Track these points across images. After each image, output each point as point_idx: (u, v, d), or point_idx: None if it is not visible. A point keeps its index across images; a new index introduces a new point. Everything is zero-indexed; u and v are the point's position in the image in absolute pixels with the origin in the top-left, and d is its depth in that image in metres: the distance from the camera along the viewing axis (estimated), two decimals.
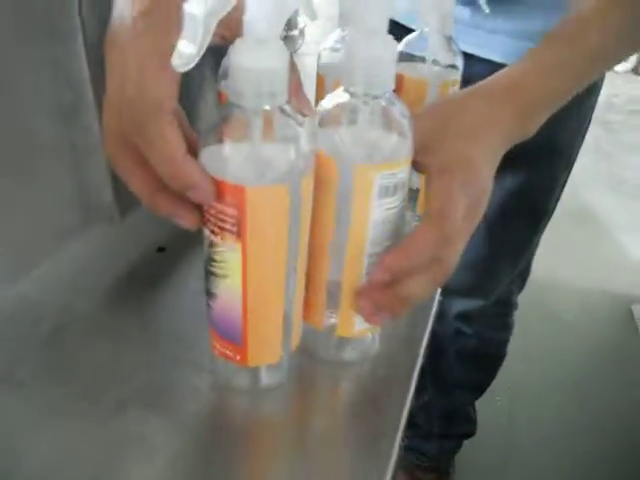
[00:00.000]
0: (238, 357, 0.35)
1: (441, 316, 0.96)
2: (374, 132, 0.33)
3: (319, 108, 0.34)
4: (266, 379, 0.38)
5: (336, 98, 0.33)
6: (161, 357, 0.40)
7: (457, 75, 0.49)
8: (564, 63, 0.43)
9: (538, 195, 0.74)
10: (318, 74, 0.49)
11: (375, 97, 0.32)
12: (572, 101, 0.59)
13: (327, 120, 0.33)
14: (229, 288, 0.32)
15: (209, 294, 0.34)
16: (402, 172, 0.33)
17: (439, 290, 0.51)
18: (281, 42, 0.27)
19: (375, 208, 0.33)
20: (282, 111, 0.29)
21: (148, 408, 0.36)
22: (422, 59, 0.47)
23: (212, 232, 0.31)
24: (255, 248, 0.30)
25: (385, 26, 0.30)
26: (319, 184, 0.32)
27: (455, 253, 0.36)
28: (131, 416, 0.35)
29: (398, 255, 0.34)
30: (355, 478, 0.34)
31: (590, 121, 0.74)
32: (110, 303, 0.45)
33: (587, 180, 2.35)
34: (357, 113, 0.32)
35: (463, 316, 0.90)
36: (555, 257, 1.85)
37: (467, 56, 0.65)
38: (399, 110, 0.33)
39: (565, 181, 0.76)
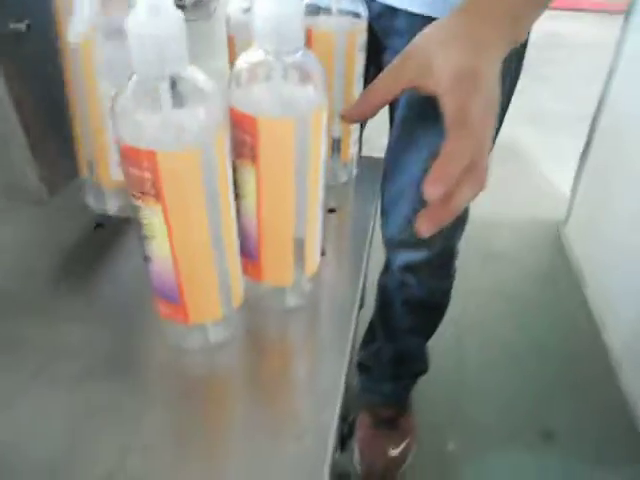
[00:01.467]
0: (180, 316, 0.37)
1: (387, 268, 0.99)
2: (289, 87, 0.34)
3: (234, 68, 0.34)
4: (214, 336, 0.39)
5: (250, 57, 0.34)
6: (112, 328, 0.41)
7: (363, 23, 0.50)
8: None
9: None
10: (228, 35, 0.49)
11: (287, 53, 0.33)
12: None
13: (243, 78, 0.34)
14: (159, 250, 0.34)
15: (145, 258, 0.35)
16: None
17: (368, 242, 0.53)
18: (174, 8, 0.28)
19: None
20: (184, 76, 0.30)
21: (108, 377, 0.37)
22: (328, 11, 0.48)
23: (134, 196, 0.32)
24: (174, 209, 0.32)
25: None
26: (253, 143, 0.34)
27: (486, 152, 0.40)
28: (92, 387, 0.37)
29: (442, 170, 0.38)
30: (309, 416, 0.36)
31: (516, 80, 0.76)
32: (52, 284, 0.45)
33: (507, 116, 2.43)
34: (271, 69, 0.33)
35: (408, 268, 0.92)
36: (484, 194, 1.92)
37: (388, 9, 0.67)
38: (312, 63, 0.34)
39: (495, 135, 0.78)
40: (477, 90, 0.40)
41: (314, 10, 0.48)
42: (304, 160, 0.35)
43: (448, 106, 0.40)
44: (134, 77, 0.29)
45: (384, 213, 0.85)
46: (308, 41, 0.46)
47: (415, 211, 0.80)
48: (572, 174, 1.79)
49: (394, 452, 1.14)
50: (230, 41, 0.49)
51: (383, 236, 0.90)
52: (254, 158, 0.35)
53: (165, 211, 0.32)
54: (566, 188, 1.84)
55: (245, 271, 0.41)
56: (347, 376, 0.40)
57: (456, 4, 0.46)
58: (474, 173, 0.39)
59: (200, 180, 0.32)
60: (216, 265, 0.35)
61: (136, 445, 0.33)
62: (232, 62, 0.48)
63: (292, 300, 0.44)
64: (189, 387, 0.38)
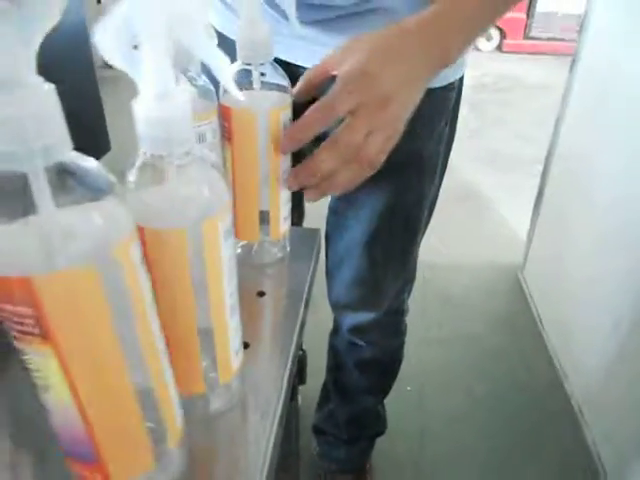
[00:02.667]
0: (99, 477, 0.30)
1: (336, 330, 0.96)
2: (183, 190, 0.31)
3: (128, 174, 0.31)
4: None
5: (139, 160, 0.30)
6: None
7: (288, 98, 0.48)
8: None
9: (408, 212, 0.74)
10: None
11: (176, 156, 0.29)
12: (428, 118, 0.61)
13: (135, 184, 0.31)
14: (58, 401, 0.27)
15: (45, 410, 0.28)
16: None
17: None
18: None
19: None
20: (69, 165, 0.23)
21: None
22: (250, 84, 0.46)
23: (14, 337, 0.25)
24: (70, 347, 0.25)
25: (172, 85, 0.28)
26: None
27: (350, 137, 0.45)
28: None
29: (293, 129, 0.47)
30: None
31: (452, 135, 0.74)
32: None
33: (463, 159, 2.47)
34: (162, 173, 0.30)
35: (356, 329, 0.90)
36: (441, 238, 1.93)
37: (297, 68, 0.65)
38: (204, 163, 0.31)
39: (435, 193, 0.77)
40: (359, 88, 0.44)
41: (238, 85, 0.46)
42: (201, 268, 0.32)
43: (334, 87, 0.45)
44: None
45: (328, 276, 0.82)
46: (228, 119, 0.47)
47: (360, 274, 0.79)
48: (529, 216, 1.80)
49: None
50: None
51: (329, 299, 0.86)
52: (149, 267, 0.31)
53: (58, 352, 0.24)
54: (524, 231, 1.85)
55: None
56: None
57: None
58: (359, 159, 0.46)
59: (102, 303, 0.25)
60: (141, 407, 0.29)
61: None
62: None
63: (215, 404, 0.40)
64: None
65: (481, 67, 3.88)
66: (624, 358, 1.16)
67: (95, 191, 0.24)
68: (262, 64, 0.46)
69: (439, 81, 0.63)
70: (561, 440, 1.29)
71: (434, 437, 1.29)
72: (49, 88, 0.22)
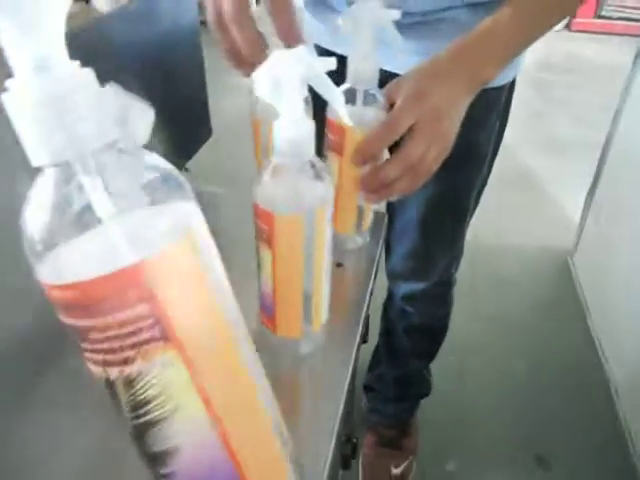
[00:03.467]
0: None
1: (389, 299, 1.08)
2: (301, 188, 0.42)
3: (259, 171, 0.42)
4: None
5: (272, 164, 0.42)
6: None
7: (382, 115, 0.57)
8: (516, 12, 0.55)
9: (456, 198, 0.84)
10: (254, 118, 0.57)
11: (301, 163, 0.41)
12: (480, 114, 0.70)
13: (264, 181, 0.42)
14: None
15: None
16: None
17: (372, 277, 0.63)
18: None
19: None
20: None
21: None
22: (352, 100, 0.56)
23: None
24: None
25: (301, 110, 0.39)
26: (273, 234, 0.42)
27: (411, 150, 0.51)
28: None
29: (364, 146, 0.52)
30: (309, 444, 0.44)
31: (503, 128, 0.83)
32: None
33: (522, 141, 2.49)
34: (287, 174, 0.41)
35: (407, 297, 1.01)
36: (494, 218, 1.99)
37: (390, 77, 0.74)
38: (321, 169, 0.42)
39: (483, 181, 0.87)
40: (415, 107, 0.51)
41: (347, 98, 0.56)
42: (311, 245, 0.43)
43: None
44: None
45: (387, 249, 0.94)
46: (340, 134, 0.56)
47: (414, 248, 0.90)
48: (582, 202, 1.83)
49: (396, 471, 1.21)
50: (255, 125, 0.57)
51: (386, 270, 0.98)
52: (270, 244, 0.43)
53: (184, 354, 0.22)
54: (577, 216, 1.88)
55: (264, 324, 0.50)
56: (348, 405, 0.47)
57: None
58: (418, 170, 0.52)
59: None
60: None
61: None
62: (257, 145, 0.56)
63: (304, 348, 0.52)
64: None
65: (548, 46, 3.80)
66: None
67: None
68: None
69: (491, 83, 0.71)
70: (599, 426, 1.36)
71: (472, 406, 1.39)
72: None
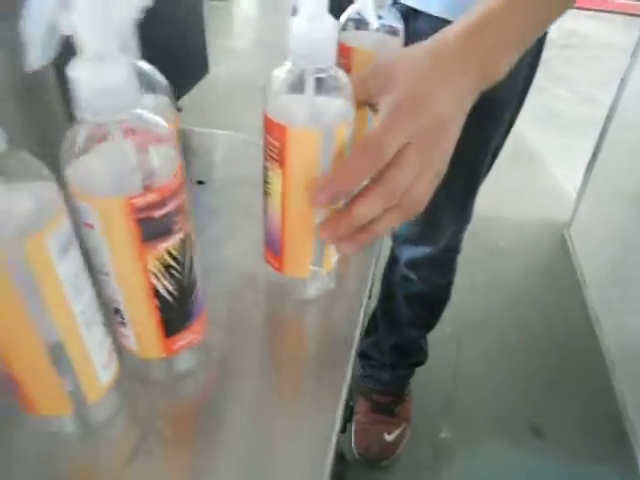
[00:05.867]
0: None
1: (391, 264, 1.04)
2: (319, 100, 0.38)
3: (270, 78, 0.38)
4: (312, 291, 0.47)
5: (284, 70, 0.37)
6: None
7: (399, 41, 0.52)
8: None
9: (473, 154, 0.78)
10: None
11: (319, 70, 0.36)
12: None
13: (277, 89, 0.38)
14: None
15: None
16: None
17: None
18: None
19: None
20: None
21: None
22: (366, 25, 0.49)
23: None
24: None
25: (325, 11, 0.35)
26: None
27: (401, 177, 0.37)
28: None
29: (333, 180, 0.37)
30: (317, 395, 0.41)
31: (527, 87, 0.77)
32: None
33: (520, 115, 2.44)
34: (304, 83, 0.36)
35: (412, 263, 0.97)
36: (492, 190, 1.95)
37: (410, 12, 0.70)
38: (341, 79, 0.37)
39: (500, 141, 0.81)
40: (413, 116, 0.38)
41: (355, 25, 0.50)
42: (328, 168, 0.39)
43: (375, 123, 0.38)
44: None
45: None
46: (347, 57, 0.50)
47: (423, 210, 0.85)
48: (581, 177, 1.81)
49: (389, 437, 1.19)
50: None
51: (391, 232, 0.94)
52: (282, 162, 0.38)
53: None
54: (573, 190, 1.87)
55: (269, 262, 0.46)
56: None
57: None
58: (404, 203, 0.39)
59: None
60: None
61: None
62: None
63: (311, 291, 0.48)
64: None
65: None
66: None
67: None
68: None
69: None
70: (591, 390, 1.36)
71: (467, 375, 1.38)
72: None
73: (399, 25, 0.51)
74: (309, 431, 0.38)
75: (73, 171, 0.29)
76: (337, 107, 0.38)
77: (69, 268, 0.29)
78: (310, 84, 0.36)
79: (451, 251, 0.98)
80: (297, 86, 0.37)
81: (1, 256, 0.26)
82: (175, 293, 0.34)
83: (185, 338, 0.37)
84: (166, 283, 0.33)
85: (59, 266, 0.28)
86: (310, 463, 0.36)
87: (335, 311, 0.49)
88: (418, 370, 1.23)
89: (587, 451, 1.24)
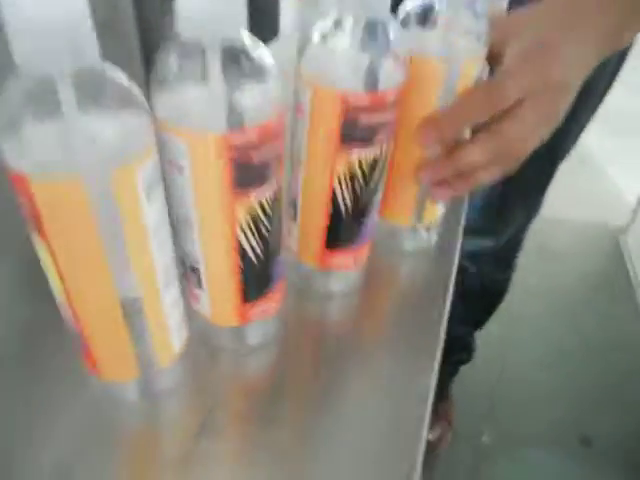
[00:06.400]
0: (93, 368, 0.30)
1: None
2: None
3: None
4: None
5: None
6: None
7: (481, 51, 0.37)
8: None
9: (556, 135, 0.72)
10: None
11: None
12: None
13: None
14: (56, 292, 0.26)
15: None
16: None
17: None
18: None
19: None
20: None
21: None
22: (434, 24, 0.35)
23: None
24: (60, 244, 0.23)
25: None
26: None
27: (515, 131, 0.36)
28: None
29: (448, 114, 0.36)
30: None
31: (623, 60, 0.70)
32: None
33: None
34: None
35: (472, 255, 0.91)
36: (550, 193, 1.87)
37: None
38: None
39: (581, 125, 0.75)
40: (539, 64, 0.35)
41: (419, 20, 0.36)
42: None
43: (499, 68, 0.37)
44: None
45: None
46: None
47: (488, 200, 0.80)
48: None
49: (430, 436, 1.14)
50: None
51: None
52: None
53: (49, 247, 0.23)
54: (632, 195, 1.78)
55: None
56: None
57: None
58: (507, 157, 0.38)
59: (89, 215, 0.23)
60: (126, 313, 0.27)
61: None
62: None
63: (409, 244, 0.46)
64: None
65: None
66: None
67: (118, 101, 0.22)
68: None
69: None
70: None
71: (513, 379, 1.32)
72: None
73: (485, 27, 0.43)
74: (398, 403, 0.34)
75: (165, 99, 0.25)
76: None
77: (154, 213, 0.25)
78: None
79: (514, 246, 0.93)
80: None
81: (85, 188, 0.22)
82: (260, 254, 0.30)
83: (262, 306, 0.34)
84: (252, 241, 0.29)
85: (146, 207, 0.24)
86: (403, 442, 0.32)
87: (433, 267, 0.46)
88: (462, 370, 1.18)
89: (634, 464, 1.17)
